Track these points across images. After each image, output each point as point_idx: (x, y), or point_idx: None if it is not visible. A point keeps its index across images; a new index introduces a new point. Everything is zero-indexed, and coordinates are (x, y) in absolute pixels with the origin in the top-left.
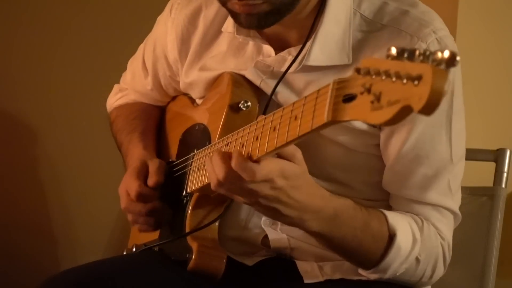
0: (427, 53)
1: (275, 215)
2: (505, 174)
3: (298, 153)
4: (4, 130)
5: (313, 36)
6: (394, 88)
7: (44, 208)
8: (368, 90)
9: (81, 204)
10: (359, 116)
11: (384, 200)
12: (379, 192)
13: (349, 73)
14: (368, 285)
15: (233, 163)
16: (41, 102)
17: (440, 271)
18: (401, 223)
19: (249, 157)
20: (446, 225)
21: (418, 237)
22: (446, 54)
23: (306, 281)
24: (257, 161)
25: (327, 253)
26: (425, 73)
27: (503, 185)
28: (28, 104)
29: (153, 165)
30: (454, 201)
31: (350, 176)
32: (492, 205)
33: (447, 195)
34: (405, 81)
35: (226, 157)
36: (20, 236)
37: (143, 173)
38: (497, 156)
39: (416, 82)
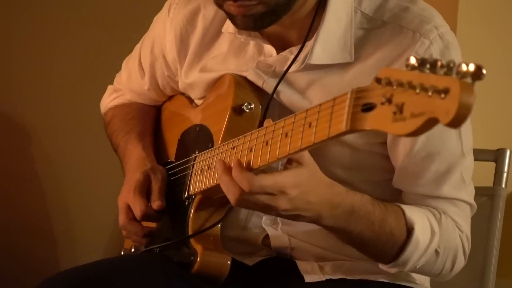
0: (451, 64)
1: (296, 219)
2: (505, 174)
3: (306, 153)
4: (4, 131)
5: (314, 35)
6: (418, 100)
7: (44, 208)
8: (389, 101)
9: (81, 204)
10: (380, 126)
11: (386, 199)
12: (380, 190)
13: (351, 71)
14: (369, 285)
15: (233, 174)
16: (40, 102)
17: (460, 263)
18: (418, 216)
19: (249, 166)
20: (462, 218)
21: (437, 229)
22: (472, 67)
23: (307, 280)
24: (260, 170)
25: (327, 253)
26: (453, 86)
27: (503, 185)
28: (27, 104)
29: (156, 182)
30: (468, 193)
31: (353, 175)
32: (492, 205)
33: (461, 187)
34: (430, 93)
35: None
36: (20, 236)
37: (145, 188)
38: (497, 156)
39: (442, 95)
